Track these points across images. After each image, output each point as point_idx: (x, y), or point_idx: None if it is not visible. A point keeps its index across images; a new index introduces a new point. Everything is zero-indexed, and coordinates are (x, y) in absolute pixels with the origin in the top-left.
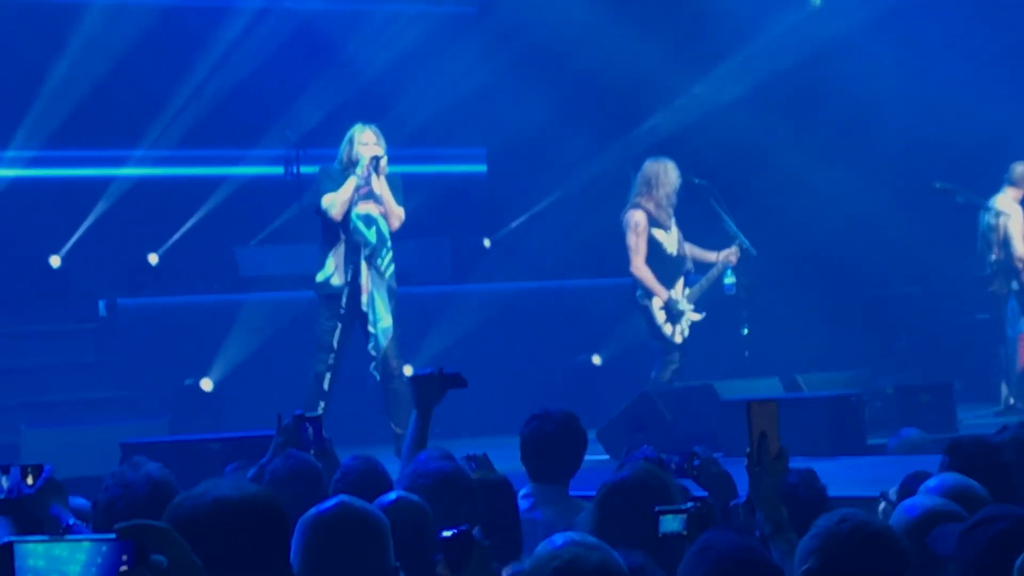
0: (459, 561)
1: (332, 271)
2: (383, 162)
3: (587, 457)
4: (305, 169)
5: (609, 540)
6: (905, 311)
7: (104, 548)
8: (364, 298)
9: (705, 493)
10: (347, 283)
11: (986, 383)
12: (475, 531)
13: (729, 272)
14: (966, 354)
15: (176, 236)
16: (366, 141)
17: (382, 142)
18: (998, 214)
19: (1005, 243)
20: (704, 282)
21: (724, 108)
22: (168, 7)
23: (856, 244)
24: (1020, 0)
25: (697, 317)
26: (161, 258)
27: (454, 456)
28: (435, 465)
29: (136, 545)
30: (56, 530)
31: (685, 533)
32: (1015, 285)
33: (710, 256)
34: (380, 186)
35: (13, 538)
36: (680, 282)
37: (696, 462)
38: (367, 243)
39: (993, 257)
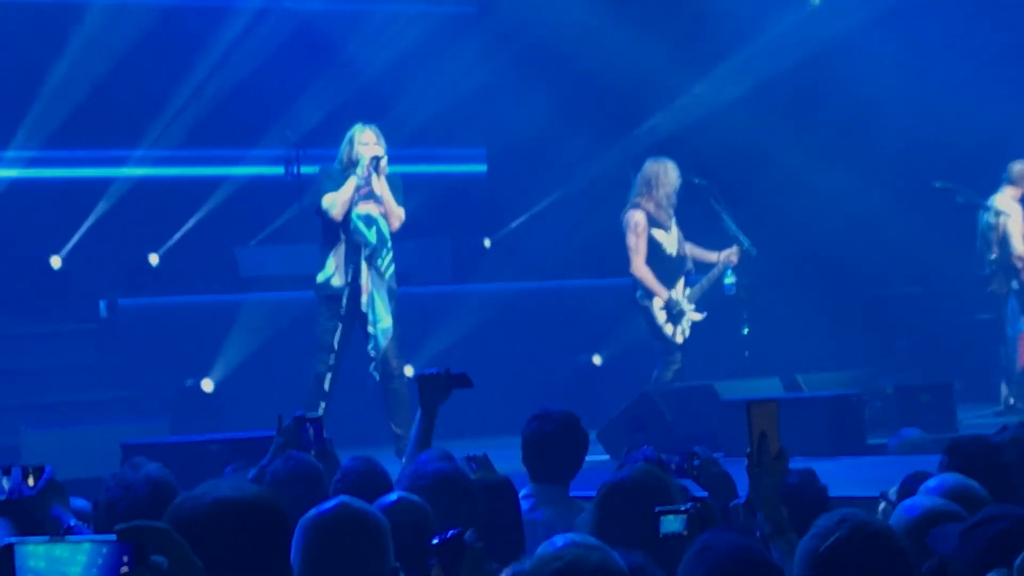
0: (453, 565)
1: (333, 271)
2: (383, 162)
3: (587, 457)
4: (305, 169)
5: (609, 540)
6: (905, 311)
7: (104, 549)
8: (364, 298)
9: (705, 493)
10: (347, 283)
11: (986, 383)
12: (467, 534)
13: (729, 272)
14: (966, 354)
15: (176, 236)
16: (366, 141)
17: (382, 142)
18: (998, 213)
19: (1004, 242)
20: (705, 282)
21: (724, 108)
22: (168, 7)
23: (856, 244)
24: (1020, 0)
25: (698, 317)
26: (161, 258)
27: (454, 457)
28: (434, 466)
29: (136, 546)
30: (57, 531)
31: (686, 533)
32: (1015, 284)
33: (711, 256)
34: (380, 186)
35: (14, 539)
36: (680, 282)
37: (696, 462)
38: (367, 243)
39: (992, 256)
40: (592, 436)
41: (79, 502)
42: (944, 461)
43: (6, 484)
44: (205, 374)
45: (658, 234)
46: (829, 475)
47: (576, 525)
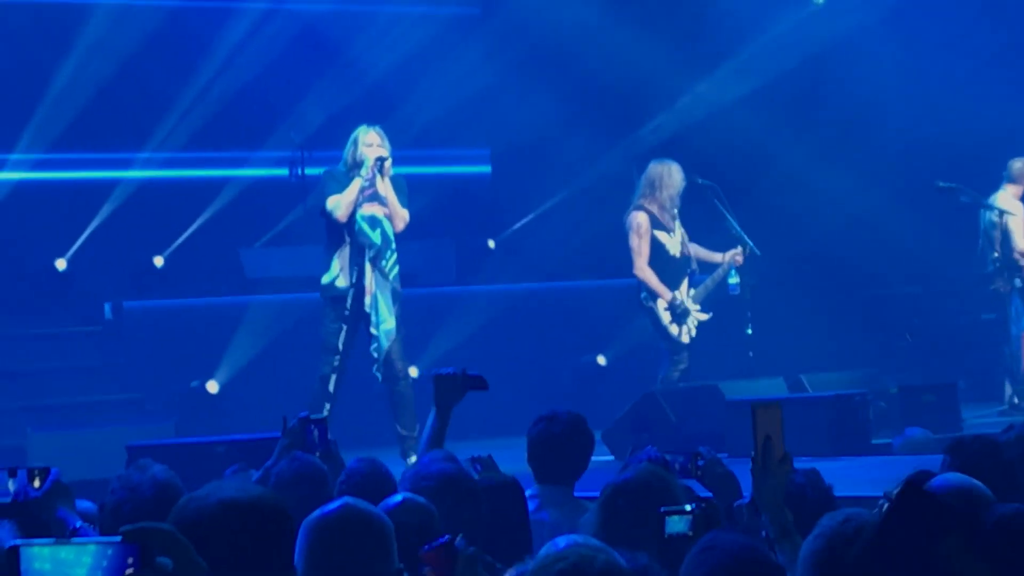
0: (446, 571)
1: (337, 273)
2: (388, 164)
3: (592, 458)
4: (310, 171)
5: (613, 541)
6: (909, 311)
7: (110, 551)
8: (368, 300)
9: (710, 494)
10: (352, 285)
11: (990, 382)
12: (458, 539)
13: (733, 272)
14: (970, 353)
15: (181, 238)
16: (370, 142)
17: (386, 143)
18: (1001, 212)
19: (1006, 240)
20: (709, 282)
21: (727, 108)
22: (173, 9)
23: (860, 244)
24: (1020, 0)
25: (704, 317)
26: (166, 260)
27: (457, 458)
28: (438, 467)
29: (141, 548)
30: (63, 533)
31: (691, 534)
32: (1018, 282)
33: (716, 257)
34: (385, 188)
35: (19, 541)
36: (684, 283)
37: (700, 462)
38: (372, 245)
39: (995, 255)
40: (596, 436)
41: (85, 504)
42: (947, 461)
43: (12, 486)
44: (210, 376)
45: (661, 235)
46: (833, 475)
47: (580, 526)
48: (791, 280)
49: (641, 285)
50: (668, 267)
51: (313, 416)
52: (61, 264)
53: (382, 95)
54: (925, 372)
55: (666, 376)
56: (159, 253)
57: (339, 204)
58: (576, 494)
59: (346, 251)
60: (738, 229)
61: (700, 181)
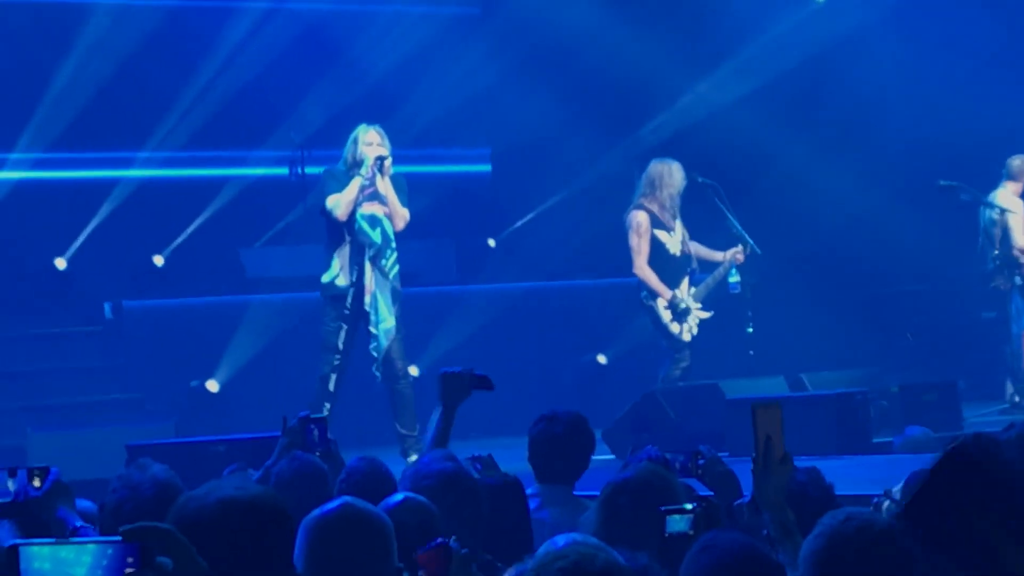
0: (441, 572)
1: (338, 272)
2: (388, 163)
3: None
4: (310, 170)
5: (614, 540)
6: (910, 309)
7: (110, 550)
8: (367, 299)
9: (710, 492)
10: (352, 284)
11: (991, 381)
12: (451, 541)
13: (734, 271)
14: (971, 352)
15: (181, 238)
16: (370, 141)
17: (386, 143)
18: (1002, 211)
19: (1006, 238)
20: (710, 281)
21: (728, 107)
22: (173, 8)
23: (861, 242)
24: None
25: (705, 315)
26: (166, 260)
27: (457, 457)
28: (438, 466)
29: (141, 547)
30: (63, 533)
31: (691, 533)
32: (1018, 280)
33: (717, 256)
34: (385, 187)
35: (19, 541)
36: (685, 282)
37: (701, 461)
38: (372, 244)
39: (995, 252)
40: (597, 436)
41: (85, 503)
42: None
43: (12, 486)
44: (210, 375)
45: (661, 235)
46: (834, 473)
47: (580, 524)
48: (792, 279)
49: (642, 284)
50: (668, 266)
51: (313, 415)
52: (61, 263)
53: (382, 94)
54: (926, 371)
55: (668, 374)
56: (159, 252)
57: (339, 203)
58: (576, 493)
59: (346, 250)
60: (739, 228)
61: (701, 180)
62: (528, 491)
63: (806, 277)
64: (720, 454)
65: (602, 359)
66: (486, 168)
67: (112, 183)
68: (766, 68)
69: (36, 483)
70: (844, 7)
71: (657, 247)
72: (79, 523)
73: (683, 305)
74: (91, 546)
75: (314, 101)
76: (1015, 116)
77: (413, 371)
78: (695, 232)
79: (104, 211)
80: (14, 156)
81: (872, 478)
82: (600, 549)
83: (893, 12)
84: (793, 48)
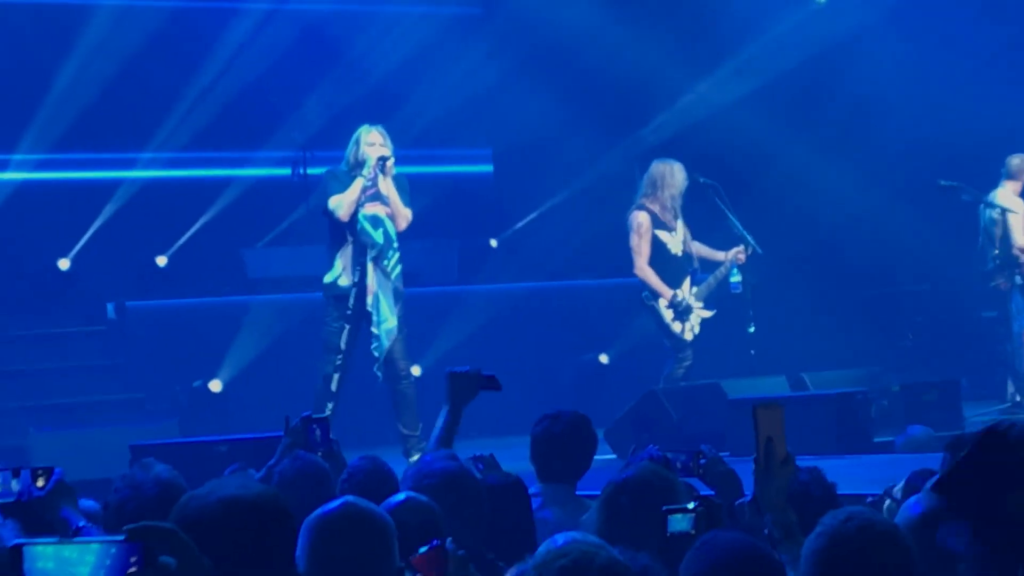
0: (438, 574)
1: (340, 272)
2: (390, 163)
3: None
4: (312, 170)
5: (615, 539)
6: (911, 309)
7: (113, 550)
8: (369, 299)
9: (711, 492)
10: (354, 284)
11: (992, 380)
12: (447, 542)
13: (735, 271)
14: (972, 351)
15: (184, 238)
16: (372, 142)
17: (388, 143)
18: (1003, 210)
19: (1006, 237)
20: (712, 280)
21: (729, 107)
22: (176, 9)
23: (862, 242)
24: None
25: (707, 314)
26: (169, 260)
27: (459, 457)
28: (440, 465)
29: (145, 547)
30: (66, 532)
31: (693, 532)
32: (1018, 279)
33: (718, 255)
34: (387, 187)
35: (23, 540)
36: (687, 282)
37: (702, 461)
38: (374, 244)
39: (995, 252)
40: (599, 435)
41: (88, 503)
42: (947, 458)
43: (15, 486)
44: (213, 375)
45: (662, 234)
46: (835, 473)
47: (581, 524)
48: (793, 278)
49: (643, 284)
50: (669, 266)
51: (315, 415)
52: (64, 264)
53: (384, 95)
54: (927, 370)
55: (670, 373)
56: (162, 253)
57: (341, 204)
58: (578, 492)
59: (348, 250)
60: (740, 228)
61: (702, 180)
62: (530, 491)
63: (807, 277)
64: (721, 454)
65: (603, 359)
66: (488, 168)
67: (115, 184)
68: (766, 68)
69: (40, 483)
70: (844, 7)
71: (658, 247)
72: (82, 523)
73: (685, 304)
74: (94, 545)
75: (316, 101)
76: (1015, 116)
77: (415, 371)
78: (696, 232)
79: (107, 212)
80: (17, 157)
81: (873, 478)
82: (600, 547)
83: (893, 12)
84: (793, 48)
